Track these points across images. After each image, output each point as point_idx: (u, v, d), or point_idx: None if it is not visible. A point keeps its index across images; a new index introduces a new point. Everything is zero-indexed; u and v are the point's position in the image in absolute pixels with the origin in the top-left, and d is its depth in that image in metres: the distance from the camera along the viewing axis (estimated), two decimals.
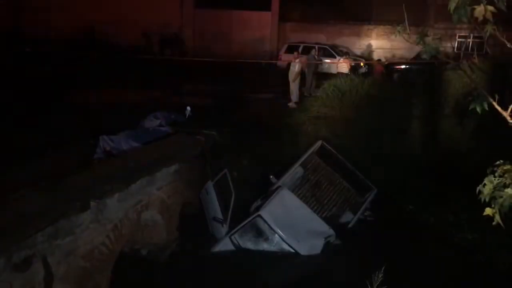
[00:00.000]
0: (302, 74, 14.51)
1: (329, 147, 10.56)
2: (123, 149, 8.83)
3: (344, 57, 18.42)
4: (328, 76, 16.41)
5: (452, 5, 3.66)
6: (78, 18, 23.49)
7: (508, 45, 4.32)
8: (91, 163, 8.63)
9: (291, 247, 8.37)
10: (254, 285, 7.74)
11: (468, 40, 19.95)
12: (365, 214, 9.77)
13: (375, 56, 22.90)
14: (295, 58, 14.42)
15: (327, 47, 20.62)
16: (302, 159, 10.17)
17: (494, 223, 3.37)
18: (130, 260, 7.91)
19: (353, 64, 18.21)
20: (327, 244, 8.53)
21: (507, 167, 4.81)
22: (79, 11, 23.71)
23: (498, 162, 4.99)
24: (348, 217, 9.51)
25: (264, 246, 8.51)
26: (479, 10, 3.86)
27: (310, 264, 8.23)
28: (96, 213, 6.17)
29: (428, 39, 5.08)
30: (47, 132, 9.72)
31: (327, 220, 9.06)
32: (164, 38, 24.10)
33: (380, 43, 23.41)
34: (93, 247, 6.24)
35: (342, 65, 17.00)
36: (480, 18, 3.99)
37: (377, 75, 15.80)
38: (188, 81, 16.32)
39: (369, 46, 23.41)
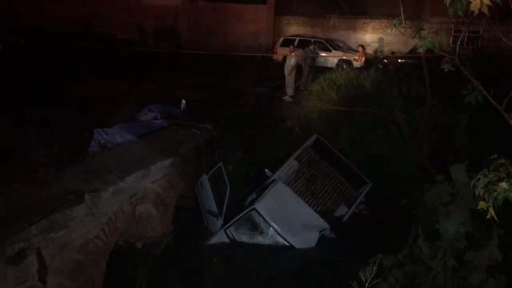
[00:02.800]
0: (298, 67, 14.50)
1: (324, 141, 10.58)
2: (118, 142, 8.80)
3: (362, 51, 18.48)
4: (324, 70, 16.40)
5: None
6: (72, 10, 23.34)
7: (504, 39, 4.33)
8: (85, 157, 8.62)
9: (285, 240, 8.40)
10: (249, 278, 7.76)
11: (464, 34, 19.98)
12: (360, 208, 9.81)
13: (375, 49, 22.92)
14: (291, 52, 14.39)
15: (322, 41, 20.58)
16: (297, 153, 10.19)
17: (488, 216, 3.38)
18: (125, 253, 7.92)
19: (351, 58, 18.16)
20: (321, 238, 8.56)
21: (501, 161, 4.83)
22: (74, 2, 23.56)
23: (492, 156, 5.01)
24: (342, 211, 9.54)
25: (259, 239, 8.53)
26: (475, 3, 3.86)
27: (304, 258, 8.26)
28: (90, 206, 6.15)
29: (424, 33, 5.08)
30: (42, 126, 9.68)
31: (321, 213, 9.09)
32: (159, 31, 23.98)
33: (376, 37, 23.39)
34: (88, 240, 6.23)
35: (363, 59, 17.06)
36: (476, 12, 3.99)
37: (392, 65, 15.88)
38: (183, 74, 16.26)
39: (381, 40, 23.25)
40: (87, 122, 9.89)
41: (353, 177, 10.35)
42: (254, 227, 8.61)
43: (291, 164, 10.04)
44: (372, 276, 3.95)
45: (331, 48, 20.31)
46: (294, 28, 24.30)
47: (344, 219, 9.37)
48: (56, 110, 10.84)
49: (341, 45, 21.71)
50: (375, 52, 22.14)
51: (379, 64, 16.06)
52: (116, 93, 12.38)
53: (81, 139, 9.19)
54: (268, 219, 8.49)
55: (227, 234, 8.58)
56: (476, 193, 1.78)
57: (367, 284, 3.13)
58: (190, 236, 8.83)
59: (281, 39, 21.62)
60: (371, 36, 23.60)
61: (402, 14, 5.24)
